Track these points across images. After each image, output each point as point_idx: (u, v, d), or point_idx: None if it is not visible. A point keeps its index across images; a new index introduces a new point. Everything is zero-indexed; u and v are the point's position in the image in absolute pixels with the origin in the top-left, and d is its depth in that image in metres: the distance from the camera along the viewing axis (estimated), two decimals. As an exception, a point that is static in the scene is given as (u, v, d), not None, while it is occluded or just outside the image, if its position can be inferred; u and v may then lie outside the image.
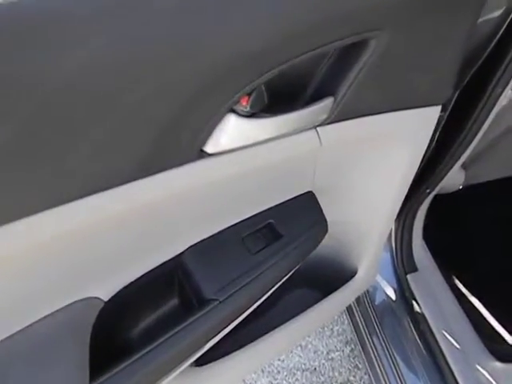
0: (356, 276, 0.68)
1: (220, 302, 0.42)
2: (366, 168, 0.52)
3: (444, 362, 0.81)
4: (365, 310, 0.95)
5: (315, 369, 1.16)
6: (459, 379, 0.78)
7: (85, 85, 0.29)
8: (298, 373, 1.15)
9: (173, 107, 0.32)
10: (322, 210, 0.51)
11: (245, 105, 0.34)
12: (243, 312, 0.47)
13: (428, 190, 0.82)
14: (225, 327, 0.46)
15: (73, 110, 0.29)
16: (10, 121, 0.28)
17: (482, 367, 0.80)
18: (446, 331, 0.84)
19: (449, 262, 0.93)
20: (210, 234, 0.44)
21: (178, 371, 0.45)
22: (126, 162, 0.33)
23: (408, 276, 0.91)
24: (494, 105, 0.64)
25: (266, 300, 0.54)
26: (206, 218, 0.42)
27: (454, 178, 0.99)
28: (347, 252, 0.67)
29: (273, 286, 0.49)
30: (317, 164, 0.45)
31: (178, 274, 0.43)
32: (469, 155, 0.91)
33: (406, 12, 0.36)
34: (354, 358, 1.17)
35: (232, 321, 0.46)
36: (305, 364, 1.17)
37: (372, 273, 0.72)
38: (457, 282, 0.94)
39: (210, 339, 0.45)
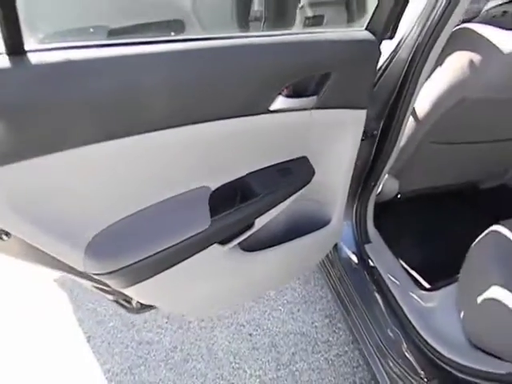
0: (331, 223, 1.14)
1: (262, 196, 0.88)
2: (334, 141, 0.99)
3: (391, 295, 1.24)
4: (337, 271, 1.39)
5: (303, 333, 1.55)
6: (400, 302, 1.21)
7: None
8: (291, 335, 1.54)
9: (256, 92, 0.78)
10: (310, 164, 0.98)
11: (285, 91, 0.82)
12: (272, 208, 0.92)
13: (373, 184, 1.30)
14: (262, 214, 0.90)
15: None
16: None
17: (412, 293, 1.23)
18: (390, 277, 1.28)
19: (390, 236, 1.39)
20: (261, 166, 0.90)
21: (242, 236, 0.89)
22: (234, 111, 0.78)
23: (365, 246, 1.36)
24: (401, 128, 1.14)
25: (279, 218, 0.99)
26: (260, 153, 0.88)
27: (389, 187, 1.49)
28: (323, 205, 1.12)
29: (288, 196, 0.94)
30: (308, 134, 0.93)
31: (243, 184, 0.88)
32: (399, 167, 1.42)
33: (344, 65, 0.86)
34: (332, 326, 1.57)
35: (266, 211, 0.91)
36: (296, 330, 1.56)
37: (340, 222, 1.17)
38: (395, 248, 1.39)
39: (257, 217, 0.89)
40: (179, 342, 1.53)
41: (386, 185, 1.45)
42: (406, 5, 0.86)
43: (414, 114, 1.24)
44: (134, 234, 0.75)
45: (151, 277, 0.79)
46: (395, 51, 1.05)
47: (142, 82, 0.65)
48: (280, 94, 0.80)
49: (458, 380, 0.97)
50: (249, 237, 0.95)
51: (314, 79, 0.85)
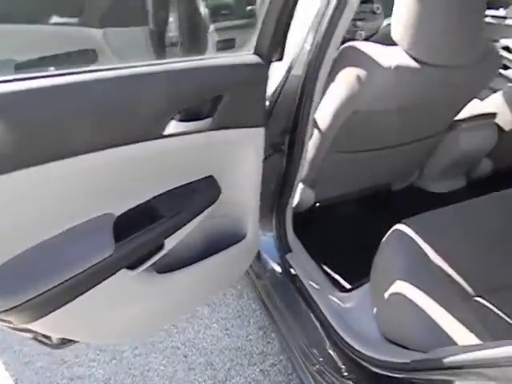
0: (246, 237, 1.18)
1: (168, 217, 0.90)
2: (237, 159, 1.03)
3: (312, 300, 1.29)
4: (263, 282, 1.43)
5: (239, 347, 1.57)
6: (321, 306, 1.26)
7: None
8: (227, 351, 1.56)
9: (150, 118, 0.81)
10: (216, 182, 1.02)
11: (177, 116, 0.85)
12: (180, 227, 0.94)
13: (288, 195, 1.36)
14: (170, 234, 0.92)
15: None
16: None
17: (332, 296, 1.29)
18: (311, 283, 1.33)
19: (310, 244, 1.46)
20: (166, 189, 0.92)
21: (150, 261, 0.91)
22: (131, 138, 0.80)
23: (287, 255, 1.42)
24: (304, 141, 1.22)
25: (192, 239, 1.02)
26: (164, 176, 0.91)
27: (306, 197, 1.56)
28: (237, 221, 1.16)
29: (195, 215, 0.97)
30: (211, 154, 0.97)
31: (148, 207, 0.90)
32: (312, 177, 1.50)
33: (234, 88, 0.91)
34: (266, 337, 1.60)
35: (174, 231, 0.93)
36: (231, 345, 1.58)
37: (256, 235, 1.21)
38: (316, 254, 1.45)
39: (165, 238, 0.91)
40: (113, 374, 1.49)
41: (303, 195, 1.52)
42: (288, 28, 0.93)
43: (318, 126, 1.32)
44: (33, 267, 0.75)
45: (56, 309, 0.79)
46: (289, 70, 1.12)
47: (34, 116, 0.66)
48: (173, 118, 0.84)
49: (372, 373, 1.04)
50: (163, 258, 0.97)
51: (208, 103, 0.89)
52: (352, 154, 1.39)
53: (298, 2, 1.07)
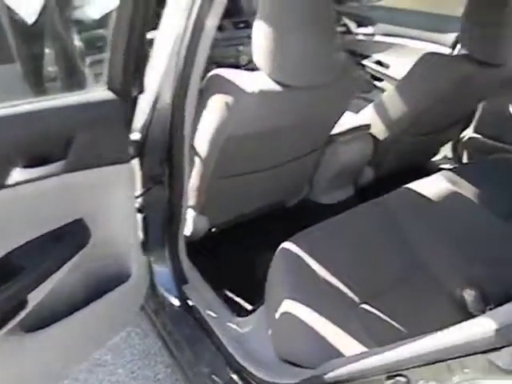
0: (132, 276, 1.12)
1: (28, 270, 0.83)
2: (106, 198, 0.99)
3: (211, 330, 1.26)
4: (162, 319, 1.38)
5: (146, 390, 1.49)
6: (219, 335, 1.23)
7: None
8: (134, 395, 1.47)
9: None
10: (85, 225, 0.96)
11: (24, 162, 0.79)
12: (45, 279, 0.87)
13: (177, 226, 1.32)
14: (33, 289, 0.85)
15: None
16: None
17: (230, 323, 1.27)
18: (209, 313, 1.30)
19: (208, 271, 1.44)
20: (28, 239, 0.85)
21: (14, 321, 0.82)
22: None
23: (183, 286, 1.38)
24: (183, 170, 1.20)
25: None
26: (23, 226, 0.83)
27: (198, 224, 1.54)
28: (119, 261, 1.11)
29: (63, 263, 0.90)
30: (74, 197, 0.91)
31: (4, 262, 0.82)
32: (201, 204, 1.49)
33: (87, 126, 0.86)
34: (173, 375, 1.54)
35: (38, 285, 0.85)
36: (138, 388, 1.50)
37: (142, 272, 1.16)
38: (214, 281, 1.43)
39: (28, 293, 0.83)
40: None
41: (196, 223, 1.50)
42: (142, 59, 0.91)
43: (198, 154, 1.31)
44: None
45: None
46: (156, 101, 1.10)
47: None
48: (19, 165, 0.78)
49: (268, 397, 1.03)
50: (31, 314, 0.89)
51: (59, 144, 0.84)
52: (235, 178, 1.40)
53: (160, 29, 1.07)
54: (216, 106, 1.16)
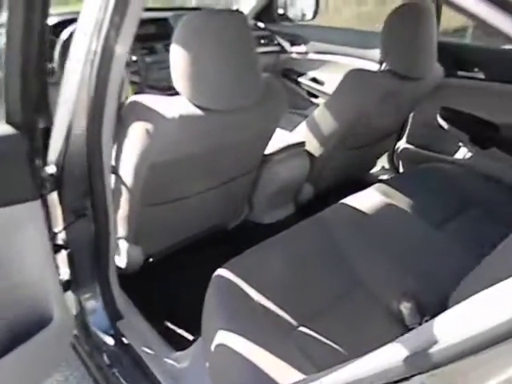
0: (54, 317, 1.04)
1: None
2: (14, 239, 0.91)
3: (148, 369, 1.20)
4: (95, 360, 1.29)
5: None
6: (156, 373, 1.17)
7: None
8: None
9: None
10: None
11: None
12: None
13: (106, 260, 1.25)
14: None
15: None
16: None
17: (167, 359, 1.21)
18: (145, 349, 1.24)
19: (145, 304, 1.37)
20: None
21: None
22: None
23: (117, 323, 1.30)
24: (106, 202, 1.14)
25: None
26: None
27: (133, 255, 1.47)
28: (39, 304, 1.03)
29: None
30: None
31: None
32: (134, 234, 1.42)
33: None
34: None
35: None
36: None
37: (66, 312, 1.08)
38: (151, 315, 1.36)
39: None
40: None
41: (130, 253, 1.43)
42: (43, 88, 0.86)
43: (124, 183, 1.25)
44: None
45: None
46: (69, 131, 1.04)
47: None
48: None
49: None
50: None
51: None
52: (166, 205, 1.35)
53: (69, 56, 1.01)
54: (136, 133, 1.11)
